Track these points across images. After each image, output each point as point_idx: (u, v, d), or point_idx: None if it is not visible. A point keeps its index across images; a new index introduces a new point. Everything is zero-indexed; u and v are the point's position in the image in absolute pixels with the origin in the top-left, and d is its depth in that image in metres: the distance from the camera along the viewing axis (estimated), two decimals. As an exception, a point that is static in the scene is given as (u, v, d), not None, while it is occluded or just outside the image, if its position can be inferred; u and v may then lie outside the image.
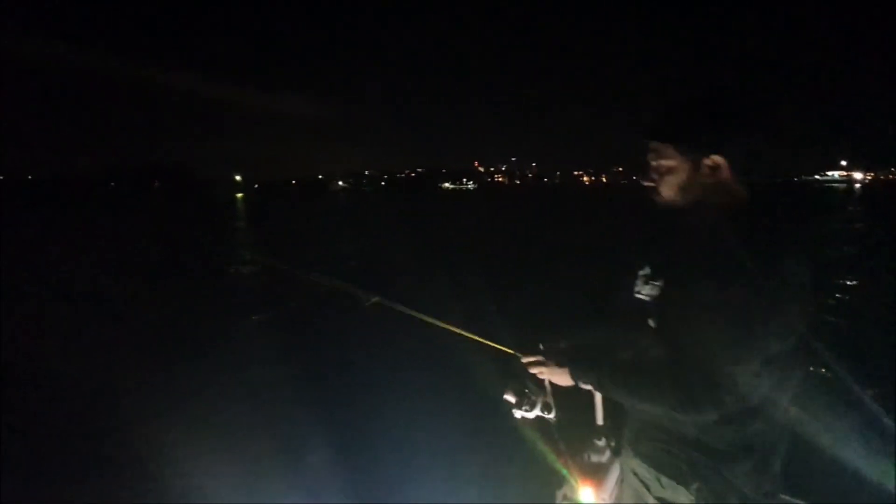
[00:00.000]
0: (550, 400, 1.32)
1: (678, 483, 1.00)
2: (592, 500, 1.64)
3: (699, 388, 0.88)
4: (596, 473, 1.73)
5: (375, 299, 1.55)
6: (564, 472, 1.74)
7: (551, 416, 1.33)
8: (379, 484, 3.14)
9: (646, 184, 1.06)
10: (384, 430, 3.78)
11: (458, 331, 1.49)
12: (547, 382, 1.32)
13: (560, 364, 1.18)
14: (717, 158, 0.96)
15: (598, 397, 1.80)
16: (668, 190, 1.02)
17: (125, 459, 3.35)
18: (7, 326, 6.54)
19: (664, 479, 1.02)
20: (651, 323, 1.06)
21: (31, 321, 7.25)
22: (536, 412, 1.31)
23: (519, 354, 1.35)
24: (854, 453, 2.68)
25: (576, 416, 1.97)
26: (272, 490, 3.07)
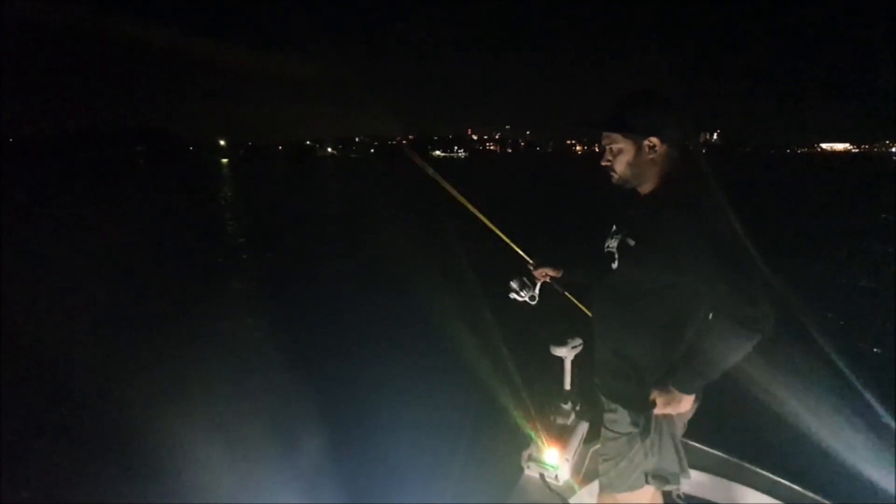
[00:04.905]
0: (537, 294, 1.81)
1: (614, 401, 1.41)
2: (557, 461, 1.72)
3: (747, 300, 1.10)
4: (561, 435, 1.81)
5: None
6: (532, 434, 1.81)
7: (534, 302, 1.81)
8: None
9: (603, 164, 1.36)
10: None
11: (490, 225, 1.88)
12: (539, 283, 1.81)
13: (681, 395, 1.28)
14: (654, 139, 1.29)
15: (568, 364, 1.87)
16: (620, 167, 1.34)
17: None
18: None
19: (609, 402, 1.44)
20: (613, 265, 1.37)
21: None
22: (526, 298, 1.80)
23: (531, 263, 1.83)
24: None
25: (545, 382, 2.03)
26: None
